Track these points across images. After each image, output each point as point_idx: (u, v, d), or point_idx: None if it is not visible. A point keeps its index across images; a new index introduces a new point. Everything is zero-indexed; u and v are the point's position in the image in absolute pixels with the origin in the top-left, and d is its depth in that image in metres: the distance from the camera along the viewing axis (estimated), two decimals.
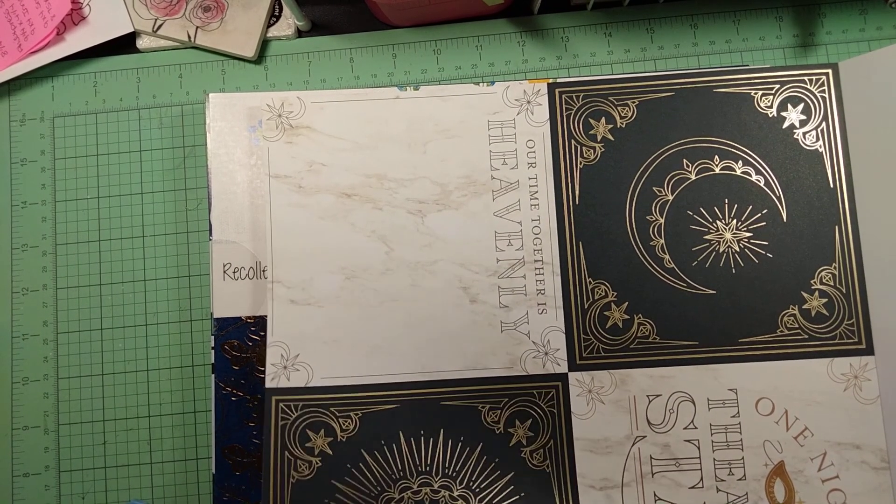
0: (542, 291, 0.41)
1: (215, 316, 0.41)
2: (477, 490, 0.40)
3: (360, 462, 0.40)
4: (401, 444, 0.40)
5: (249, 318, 0.41)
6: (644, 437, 0.41)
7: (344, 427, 0.41)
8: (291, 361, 0.41)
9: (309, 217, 0.42)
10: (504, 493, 0.40)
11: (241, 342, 0.41)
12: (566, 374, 0.41)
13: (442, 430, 0.41)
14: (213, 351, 0.41)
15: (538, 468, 0.40)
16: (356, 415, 0.41)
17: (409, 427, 0.41)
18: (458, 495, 0.40)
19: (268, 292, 0.41)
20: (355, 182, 0.42)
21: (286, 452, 0.40)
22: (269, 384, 0.41)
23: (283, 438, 0.40)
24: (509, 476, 0.40)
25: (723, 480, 0.40)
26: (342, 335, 0.41)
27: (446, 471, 0.40)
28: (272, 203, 0.42)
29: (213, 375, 0.41)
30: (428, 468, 0.40)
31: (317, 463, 0.40)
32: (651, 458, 0.40)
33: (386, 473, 0.40)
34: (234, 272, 0.41)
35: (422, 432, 0.41)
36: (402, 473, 0.40)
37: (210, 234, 0.42)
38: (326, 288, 0.41)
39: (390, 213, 0.42)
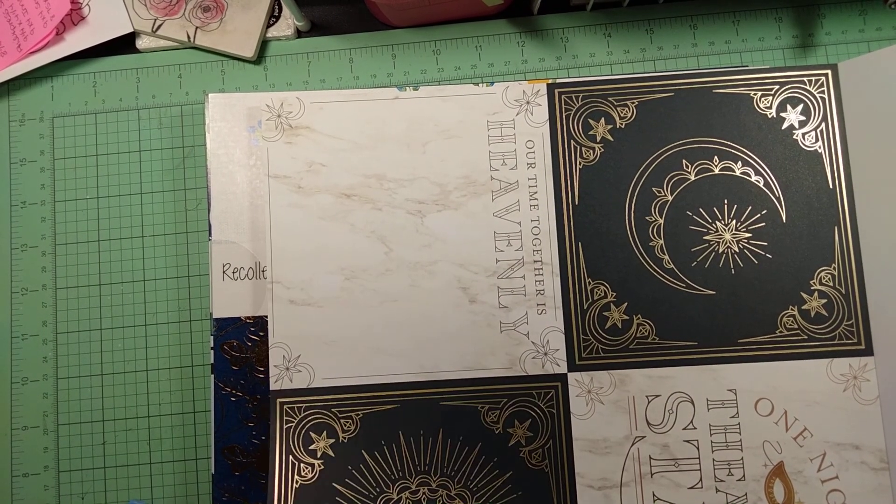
0: (542, 292, 0.41)
1: (215, 316, 0.41)
2: (475, 489, 0.40)
3: (361, 463, 0.40)
4: (400, 444, 0.40)
5: (249, 318, 0.41)
6: (643, 437, 0.41)
7: (345, 428, 0.41)
8: (293, 362, 0.41)
9: (308, 217, 0.42)
10: (501, 493, 0.40)
11: (240, 342, 0.41)
12: (565, 374, 0.41)
13: (441, 430, 0.41)
14: (212, 351, 0.41)
15: (537, 468, 0.40)
16: (357, 415, 0.41)
17: (408, 427, 0.41)
18: (455, 494, 0.40)
19: (267, 292, 0.41)
20: (355, 182, 0.42)
21: (290, 456, 0.40)
22: (273, 386, 0.41)
23: (288, 442, 0.40)
24: (507, 475, 0.40)
25: (722, 481, 0.40)
26: (342, 335, 0.41)
27: (444, 470, 0.40)
28: (271, 203, 0.42)
29: (212, 376, 0.41)
30: (427, 468, 0.40)
31: (319, 466, 0.40)
32: (650, 458, 0.40)
33: (385, 474, 0.40)
34: (233, 272, 0.41)
35: (421, 432, 0.41)
36: (400, 473, 0.40)
37: (209, 234, 0.42)
38: (326, 288, 0.41)
39: (390, 214, 0.42)
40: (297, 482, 0.40)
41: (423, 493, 0.40)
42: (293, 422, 0.41)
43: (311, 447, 0.40)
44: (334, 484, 0.40)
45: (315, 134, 0.42)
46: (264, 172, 0.42)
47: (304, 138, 0.42)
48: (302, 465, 0.40)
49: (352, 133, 0.42)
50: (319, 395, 0.41)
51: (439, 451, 0.40)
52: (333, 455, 0.40)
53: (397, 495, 0.40)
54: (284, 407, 0.41)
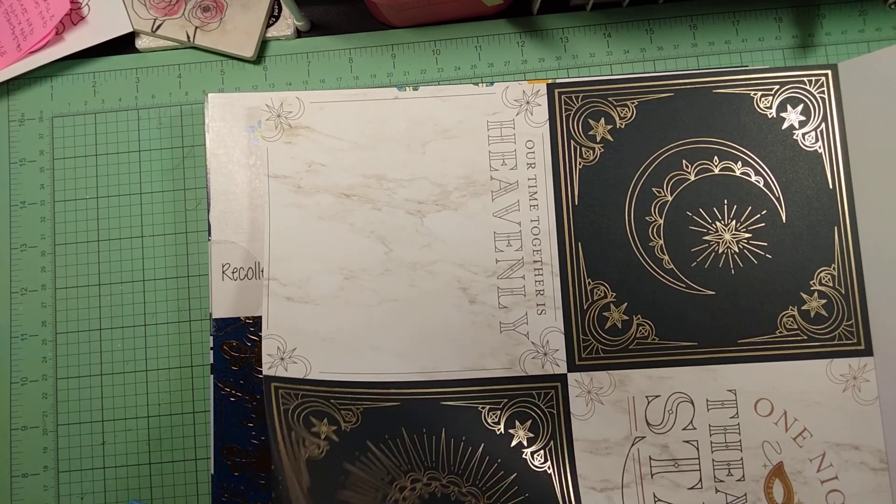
0: (542, 292, 0.41)
1: (214, 316, 0.41)
2: (484, 489, 0.40)
3: (368, 452, 0.40)
4: (405, 439, 0.40)
5: (248, 318, 0.41)
6: (643, 437, 0.41)
7: (347, 419, 0.40)
8: (288, 354, 0.41)
9: (308, 217, 0.42)
10: (510, 493, 0.40)
11: (240, 343, 0.41)
12: (565, 374, 0.41)
13: (443, 430, 0.41)
14: (211, 351, 0.41)
15: (540, 469, 0.40)
16: (358, 409, 0.40)
17: (411, 425, 0.40)
18: (466, 492, 0.40)
19: (263, 289, 0.41)
20: (354, 182, 0.42)
21: (293, 433, 0.40)
22: (266, 372, 0.40)
23: (288, 421, 0.40)
24: (513, 477, 0.40)
25: (722, 481, 0.40)
26: (340, 334, 0.41)
27: (452, 468, 0.40)
28: (271, 203, 0.42)
29: (211, 376, 0.41)
30: (433, 464, 0.40)
31: (325, 445, 0.40)
32: (650, 458, 0.40)
33: (394, 464, 0.40)
34: (233, 272, 0.41)
35: (424, 430, 0.40)
36: (409, 466, 0.40)
37: (209, 234, 0.42)
38: (325, 288, 0.41)
39: (389, 214, 0.42)
40: (305, 454, 0.39)
41: (437, 487, 0.40)
42: (290, 405, 0.40)
43: (314, 429, 0.40)
44: (346, 464, 0.40)
45: (315, 134, 0.42)
46: (264, 172, 0.42)
47: (303, 138, 0.42)
48: (308, 440, 0.40)
49: (351, 133, 0.42)
50: (316, 386, 0.40)
51: (443, 449, 0.40)
52: (338, 440, 0.40)
53: (411, 484, 0.40)
54: (280, 391, 0.40)
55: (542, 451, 0.40)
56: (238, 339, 0.41)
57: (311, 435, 0.40)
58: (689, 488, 0.40)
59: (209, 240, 0.42)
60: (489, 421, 0.41)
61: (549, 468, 0.40)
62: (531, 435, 0.41)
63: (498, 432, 0.41)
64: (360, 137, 0.42)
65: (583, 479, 0.40)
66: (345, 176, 0.42)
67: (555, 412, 0.41)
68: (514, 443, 0.41)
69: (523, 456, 0.40)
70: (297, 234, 0.42)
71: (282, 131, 0.42)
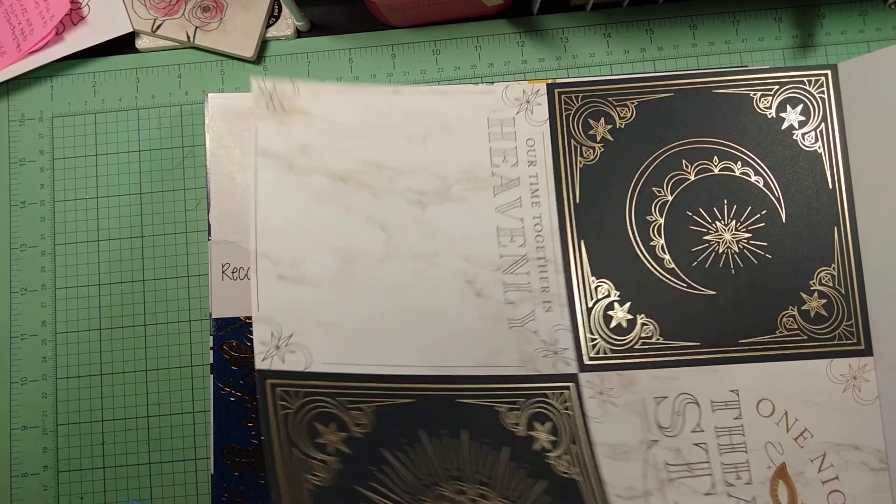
0: (547, 289, 0.41)
1: (214, 316, 0.41)
2: (515, 500, 0.37)
3: (383, 464, 0.36)
4: (423, 444, 0.37)
5: (248, 318, 0.41)
6: (657, 441, 0.40)
7: (358, 421, 0.36)
8: (284, 341, 0.37)
9: (300, 194, 0.39)
10: None
11: (239, 342, 0.41)
12: (576, 374, 0.40)
13: (464, 431, 0.38)
14: (211, 351, 0.41)
15: (567, 476, 0.38)
16: (369, 408, 0.37)
17: (429, 425, 0.38)
18: None
19: (251, 266, 0.38)
20: (351, 168, 0.40)
21: (294, 450, 0.35)
22: (259, 365, 0.36)
23: (288, 433, 0.35)
24: (543, 485, 0.38)
25: (732, 485, 0.40)
26: (342, 319, 0.38)
27: (478, 477, 0.37)
28: (258, 180, 0.38)
29: (211, 376, 0.41)
30: (459, 473, 0.37)
31: (335, 464, 0.35)
32: (666, 464, 0.40)
33: (416, 478, 0.36)
34: (232, 272, 0.41)
35: (443, 432, 0.38)
36: (432, 479, 0.36)
37: (209, 234, 0.42)
38: (321, 268, 0.39)
39: (388, 202, 0.40)
40: (309, 482, 0.34)
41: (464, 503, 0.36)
42: (291, 409, 0.36)
43: (319, 440, 0.35)
44: (357, 487, 0.35)
45: (310, 118, 0.40)
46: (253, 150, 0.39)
47: (297, 121, 0.40)
48: (313, 461, 0.34)
49: (348, 118, 0.40)
50: (319, 381, 0.37)
51: (466, 454, 0.37)
52: (351, 452, 0.35)
53: (434, 502, 0.35)
54: (277, 390, 0.36)
55: (566, 457, 0.39)
56: (238, 338, 0.41)
57: (316, 451, 0.35)
58: (704, 494, 0.39)
59: (209, 240, 0.42)
60: (509, 422, 0.39)
61: (576, 475, 0.39)
62: (553, 438, 0.39)
63: (519, 434, 0.39)
64: (358, 123, 0.41)
65: (609, 487, 0.39)
66: (341, 160, 0.40)
67: (572, 413, 0.40)
68: (536, 446, 0.39)
69: (548, 461, 0.38)
70: (288, 210, 0.39)
71: (273, 112, 0.40)
